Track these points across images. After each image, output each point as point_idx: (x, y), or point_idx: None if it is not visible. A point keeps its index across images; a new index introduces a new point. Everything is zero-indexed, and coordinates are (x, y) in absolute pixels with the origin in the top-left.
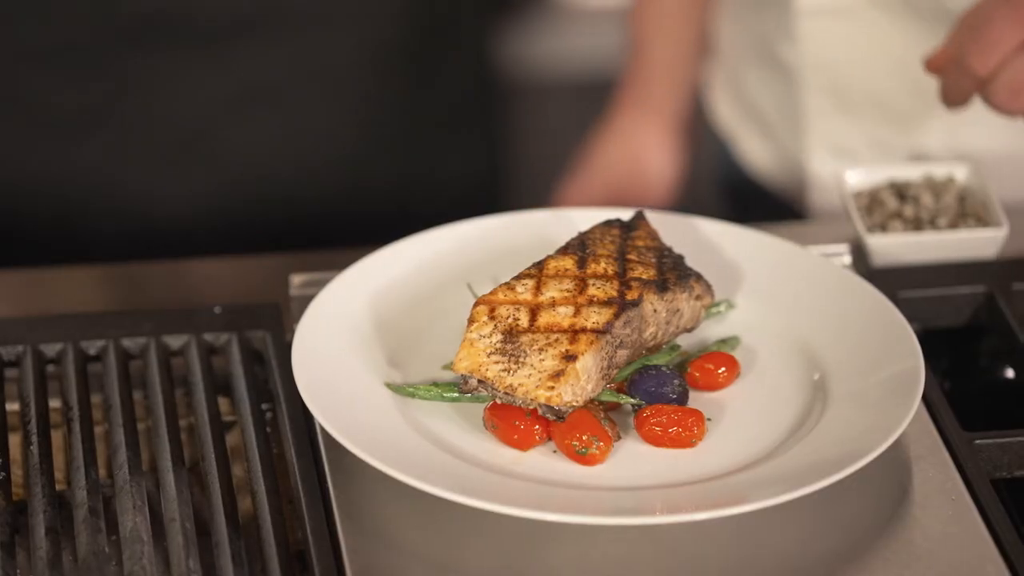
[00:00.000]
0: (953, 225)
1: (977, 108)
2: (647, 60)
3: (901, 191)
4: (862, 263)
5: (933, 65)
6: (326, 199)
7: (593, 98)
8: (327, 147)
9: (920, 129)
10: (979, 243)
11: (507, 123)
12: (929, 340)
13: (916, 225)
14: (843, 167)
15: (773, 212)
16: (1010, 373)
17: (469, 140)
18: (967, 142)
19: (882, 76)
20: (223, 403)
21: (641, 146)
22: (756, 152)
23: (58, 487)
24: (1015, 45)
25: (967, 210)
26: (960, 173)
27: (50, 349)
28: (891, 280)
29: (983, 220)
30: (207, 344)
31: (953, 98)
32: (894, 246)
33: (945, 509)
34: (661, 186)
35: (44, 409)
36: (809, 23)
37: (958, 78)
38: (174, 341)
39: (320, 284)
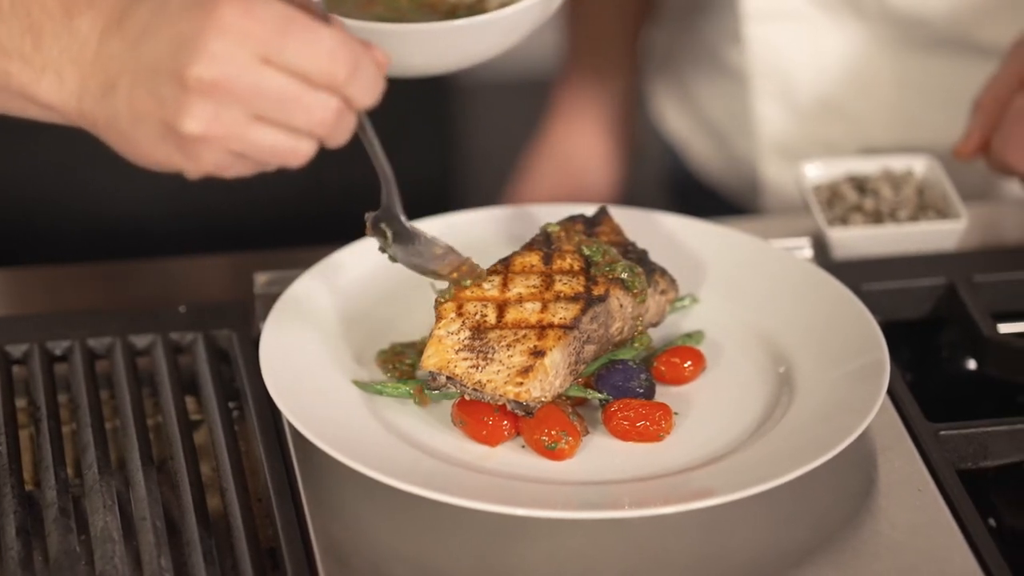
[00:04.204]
0: (913, 218)
1: (927, 106)
2: (581, 64)
3: (860, 184)
4: (823, 256)
5: (963, 155)
6: (283, 199)
7: (543, 94)
8: None
9: (870, 130)
10: (939, 235)
11: (457, 121)
12: (891, 332)
13: (876, 218)
14: (794, 169)
15: (723, 215)
16: (972, 364)
17: (422, 138)
18: (917, 141)
19: (830, 78)
20: (190, 402)
21: (576, 155)
22: (706, 157)
23: (26, 487)
24: None
25: (926, 202)
26: (918, 166)
27: (15, 350)
28: (853, 273)
29: (942, 212)
30: (173, 343)
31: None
32: (855, 239)
33: (912, 500)
34: (598, 193)
35: (11, 409)
36: (755, 27)
37: (997, 168)
38: (140, 340)
39: (284, 282)
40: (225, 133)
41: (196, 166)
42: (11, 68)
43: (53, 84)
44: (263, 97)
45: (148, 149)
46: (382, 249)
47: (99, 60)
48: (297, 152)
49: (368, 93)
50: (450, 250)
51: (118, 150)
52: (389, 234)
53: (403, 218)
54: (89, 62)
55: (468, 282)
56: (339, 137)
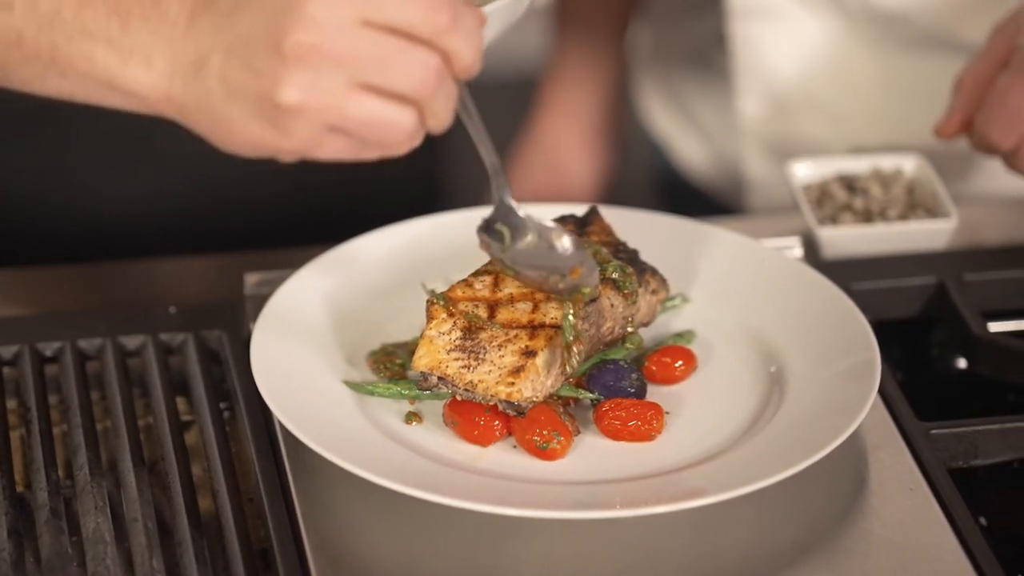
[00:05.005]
0: (903, 217)
1: (911, 104)
2: (568, 63)
3: (850, 183)
4: (813, 256)
5: (945, 134)
6: (273, 199)
7: (531, 94)
8: None
9: (856, 129)
10: (929, 234)
11: None
12: (881, 331)
13: (866, 217)
14: (780, 168)
15: (710, 214)
16: (962, 363)
17: None
18: (902, 139)
19: (814, 76)
20: (181, 402)
21: (560, 152)
22: (692, 155)
23: (17, 489)
24: None
25: (916, 201)
26: (908, 165)
27: (6, 351)
28: (843, 272)
29: (932, 211)
30: (163, 344)
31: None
32: (845, 238)
33: (903, 499)
34: (583, 190)
35: (1, 411)
36: (740, 26)
37: (980, 147)
38: (130, 341)
39: (275, 283)
40: (323, 103)
41: (290, 143)
42: (96, 52)
43: (140, 68)
44: (362, 59)
45: (241, 128)
46: (501, 261)
47: (190, 39)
48: (396, 124)
49: (469, 46)
50: (578, 244)
51: (208, 135)
52: (507, 234)
53: (519, 209)
54: (179, 42)
55: (588, 290)
56: (440, 105)
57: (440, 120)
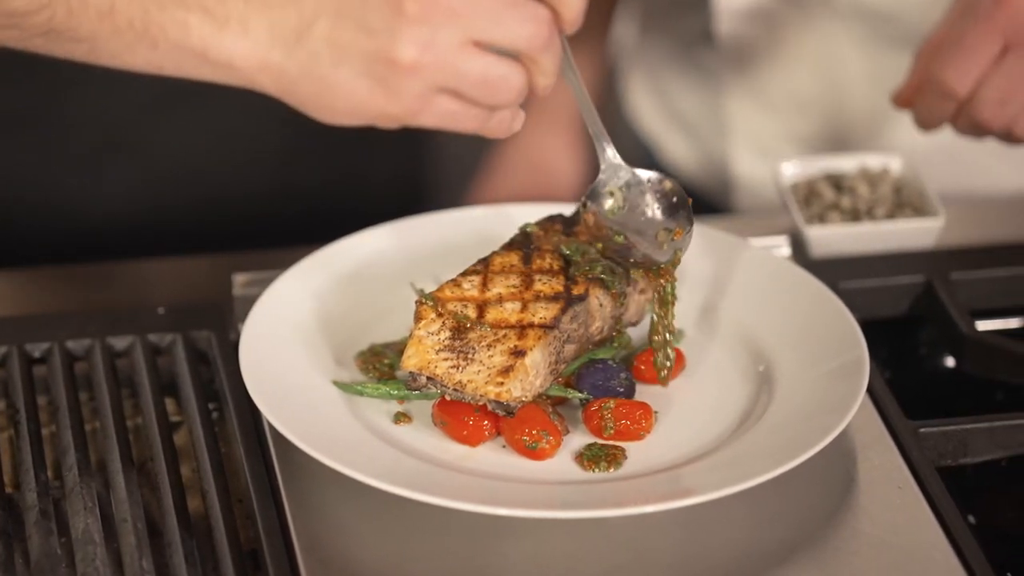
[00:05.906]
0: (890, 215)
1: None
2: None
3: (837, 182)
4: (800, 255)
5: (902, 100)
6: (261, 199)
7: None
8: (258, 146)
9: (843, 127)
10: (917, 233)
11: None
12: (869, 330)
13: (854, 216)
14: (767, 167)
15: (697, 213)
16: (950, 362)
17: (396, 138)
18: (889, 138)
19: (803, 75)
20: (169, 403)
21: (544, 151)
22: (679, 154)
23: (7, 490)
24: (991, 58)
25: (903, 200)
26: (894, 164)
27: None
28: (831, 271)
29: (919, 210)
30: (152, 345)
31: (929, 123)
32: (833, 237)
33: (892, 497)
34: (568, 189)
35: None
36: (728, 24)
37: (934, 102)
38: (119, 342)
39: (263, 283)
40: (438, 60)
41: (398, 105)
42: (191, 19)
43: (236, 35)
44: (476, 13)
45: (347, 91)
46: (609, 229)
47: (291, 5)
48: (507, 80)
49: None
50: (683, 198)
51: (307, 104)
52: (618, 193)
53: (625, 164)
54: (278, 9)
55: (680, 254)
56: (548, 60)
57: (548, 76)
